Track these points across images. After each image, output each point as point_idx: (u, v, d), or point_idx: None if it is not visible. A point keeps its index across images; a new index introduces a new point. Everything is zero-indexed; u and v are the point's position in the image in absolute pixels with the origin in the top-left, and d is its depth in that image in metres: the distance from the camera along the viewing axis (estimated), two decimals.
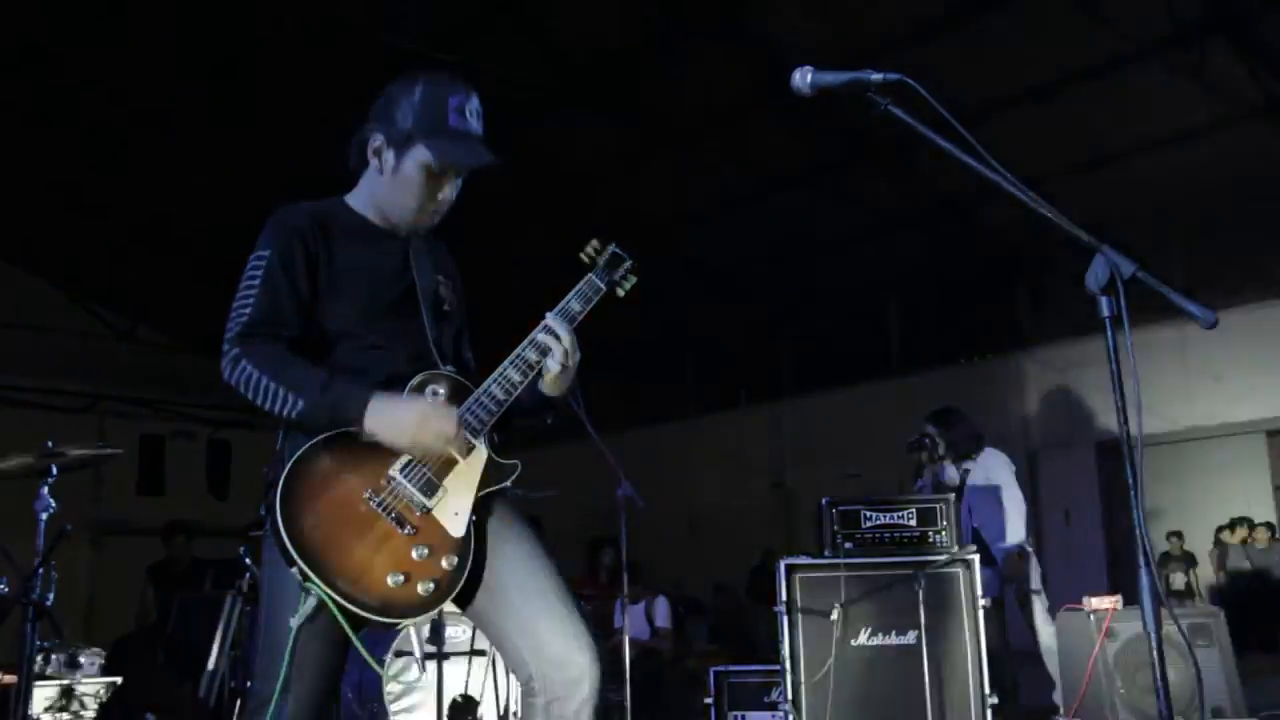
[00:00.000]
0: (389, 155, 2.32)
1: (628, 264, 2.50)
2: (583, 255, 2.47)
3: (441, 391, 2.27)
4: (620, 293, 2.50)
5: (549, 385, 2.34)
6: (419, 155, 2.29)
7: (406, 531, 2.12)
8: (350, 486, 2.12)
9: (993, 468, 5.97)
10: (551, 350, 2.27)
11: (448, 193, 2.36)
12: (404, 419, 2.12)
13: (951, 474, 6.01)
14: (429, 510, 2.16)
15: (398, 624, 2.13)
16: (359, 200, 2.40)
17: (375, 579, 2.07)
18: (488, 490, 2.25)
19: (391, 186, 2.34)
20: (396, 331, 2.30)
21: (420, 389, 2.25)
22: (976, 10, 8.27)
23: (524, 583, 2.24)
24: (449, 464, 2.20)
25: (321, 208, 2.35)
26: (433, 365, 2.31)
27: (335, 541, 2.06)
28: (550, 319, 2.30)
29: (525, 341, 2.29)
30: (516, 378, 2.26)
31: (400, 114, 2.30)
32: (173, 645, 6.25)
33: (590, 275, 2.45)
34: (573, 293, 2.40)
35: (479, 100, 2.36)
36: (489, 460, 2.26)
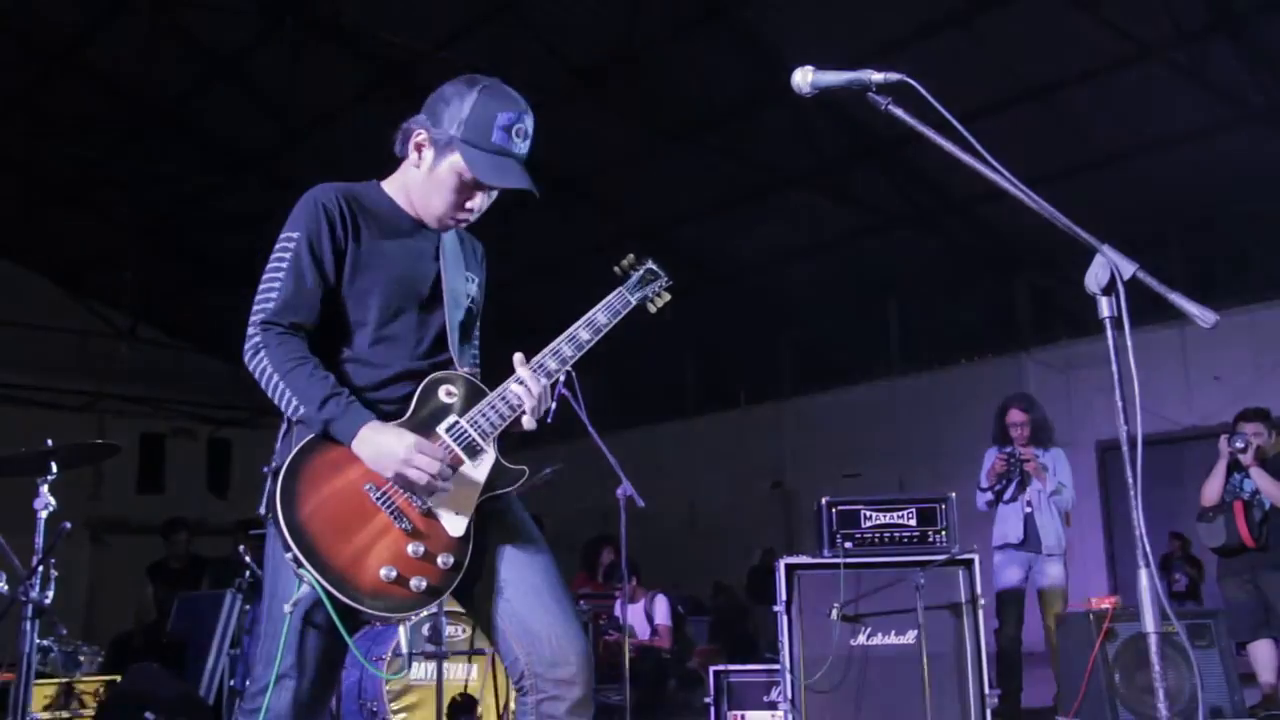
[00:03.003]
0: (428, 153, 2.30)
1: (662, 281, 2.48)
2: (616, 268, 2.45)
3: (456, 391, 2.27)
4: (652, 309, 2.48)
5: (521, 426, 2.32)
6: (455, 163, 2.27)
7: (404, 527, 2.13)
8: (352, 478, 2.12)
9: (1063, 468, 6.03)
10: (524, 403, 2.25)
11: (478, 202, 2.33)
12: (390, 454, 2.11)
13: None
14: (429, 508, 2.16)
15: (388, 618, 2.14)
16: (394, 187, 2.38)
17: (368, 571, 2.07)
18: (492, 494, 2.25)
19: (425, 184, 2.32)
20: (418, 325, 2.29)
21: (436, 387, 2.25)
22: (976, 10, 8.27)
23: (521, 582, 2.24)
24: (454, 463, 2.20)
25: (355, 189, 2.33)
26: (449, 365, 2.31)
27: (332, 531, 2.07)
28: (524, 373, 2.26)
29: (508, 382, 2.26)
30: (515, 403, 2.26)
31: (449, 116, 2.27)
32: (172, 644, 6.25)
33: (621, 289, 2.42)
34: (600, 305, 2.38)
35: (532, 121, 2.33)
36: (496, 463, 2.26)
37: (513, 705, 4.88)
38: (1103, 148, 9.71)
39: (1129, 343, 1.81)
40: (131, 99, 10.09)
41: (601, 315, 2.37)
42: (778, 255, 11.99)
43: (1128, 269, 1.84)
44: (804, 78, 2.02)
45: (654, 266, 2.48)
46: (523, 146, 2.32)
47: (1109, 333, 1.87)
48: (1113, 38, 8.21)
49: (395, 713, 5.00)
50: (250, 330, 2.17)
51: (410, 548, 2.12)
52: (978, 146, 1.88)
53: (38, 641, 3.71)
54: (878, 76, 1.93)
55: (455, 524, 2.18)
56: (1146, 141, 9.52)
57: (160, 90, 9.90)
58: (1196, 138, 9.34)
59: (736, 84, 9.10)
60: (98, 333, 13.27)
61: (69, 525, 3.75)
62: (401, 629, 4.90)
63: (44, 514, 3.73)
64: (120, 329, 13.50)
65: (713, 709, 4.96)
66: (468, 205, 2.32)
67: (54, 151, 10.89)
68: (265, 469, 2.16)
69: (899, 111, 1.94)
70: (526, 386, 2.24)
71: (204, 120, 10.44)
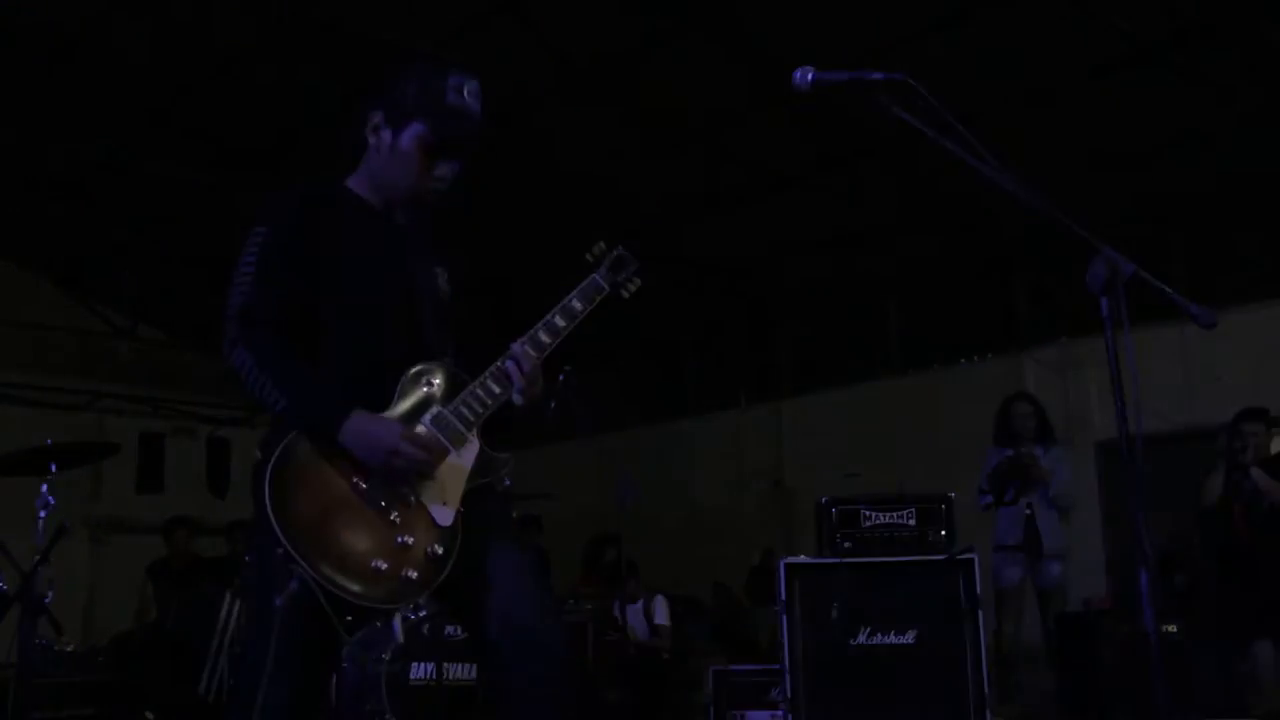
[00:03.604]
0: (386, 132, 2.33)
1: (633, 266, 2.50)
2: (588, 255, 2.47)
3: (437, 382, 2.28)
4: (624, 294, 2.50)
5: (510, 409, 2.33)
6: (417, 130, 2.30)
7: (393, 519, 2.14)
8: (339, 472, 2.13)
9: (1064, 468, 6.04)
10: (514, 382, 2.26)
11: (444, 171, 2.36)
12: (377, 443, 2.12)
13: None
14: (417, 498, 2.17)
15: (381, 609, 2.15)
16: (358, 183, 2.40)
17: (359, 564, 2.08)
18: (478, 483, 2.26)
19: (389, 163, 2.34)
20: (393, 319, 2.31)
21: (417, 379, 2.26)
22: (976, 10, 8.27)
23: (502, 577, 2.25)
24: (440, 453, 2.20)
25: (320, 188, 2.35)
26: (429, 354, 2.31)
27: (321, 525, 2.07)
28: (516, 347, 2.27)
29: (490, 369, 2.28)
30: (496, 390, 2.27)
31: (399, 92, 2.31)
32: (172, 643, 6.26)
33: (593, 275, 2.44)
34: (574, 292, 2.41)
35: (478, 84, 2.37)
36: (481, 452, 2.27)
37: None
38: (1103, 148, 9.71)
39: (1128, 342, 1.81)
40: (131, 98, 10.08)
41: (577, 302, 2.39)
42: (778, 255, 11.97)
43: (1127, 268, 1.85)
44: (804, 77, 2.02)
45: (624, 253, 2.50)
46: (475, 105, 2.35)
47: (1108, 332, 1.87)
48: (1112, 38, 8.20)
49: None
50: (227, 326, 2.19)
51: (400, 538, 2.14)
52: (978, 146, 1.88)
53: (37, 641, 3.71)
54: (878, 76, 1.93)
55: (443, 514, 2.20)
56: (1145, 141, 9.52)
57: (160, 89, 9.89)
58: (1196, 138, 9.34)
59: (737, 83, 9.09)
60: (97, 332, 13.26)
61: (68, 524, 3.75)
62: (399, 626, 4.90)
63: (44, 513, 3.73)
64: (120, 328, 13.50)
65: (712, 709, 4.97)
66: (435, 174, 2.34)
67: (54, 151, 10.88)
68: (257, 451, 2.17)
69: (899, 111, 1.94)
70: (517, 361, 2.25)
71: (204, 120, 10.43)
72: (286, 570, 2.02)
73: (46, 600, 3.69)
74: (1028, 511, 5.85)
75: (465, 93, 2.32)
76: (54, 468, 3.78)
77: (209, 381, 12.78)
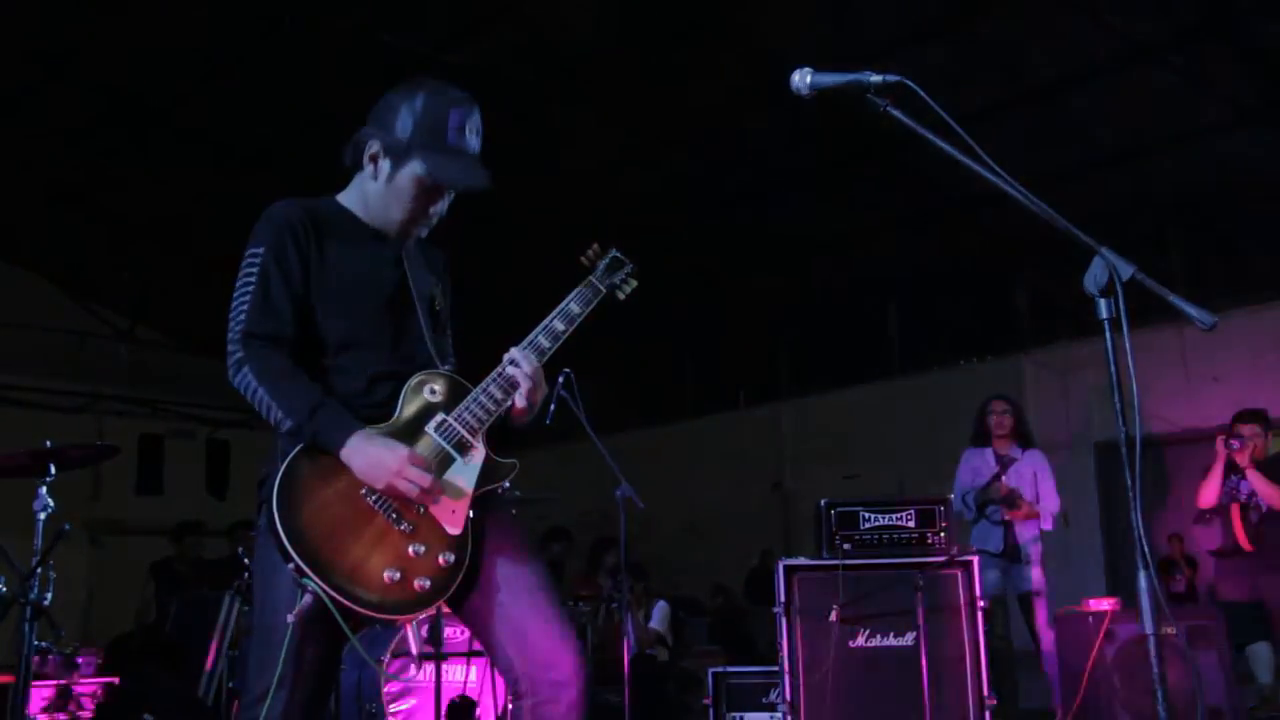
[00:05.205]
0: (385, 164, 2.30)
1: (628, 268, 2.50)
2: (582, 259, 2.47)
3: (439, 390, 2.27)
4: (620, 296, 2.50)
5: (515, 417, 2.32)
6: (414, 169, 2.27)
7: (403, 528, 2.13)
8: (347, 482, 2.12)
9: (1043, 469, 6.01)
10: (519, 386, 2.25)
11: (439, 207, 2.36)
12: (380, 465, 2.11)
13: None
14: (427, 507, 2.16)
15: (394, 620, 2.14)
16: (351, 200, 2.39)
17: (371, 575, 2.07)
18: (485, 489, 2.26)
19: (383, 195, 2.32)
20: (392, 331, 2.30)
21: (419, 388, 2.26)
22: (976, 11, 8.27)
23: (514, 583, 2.24)
24: (446, 461, 2.20)
25: (314, 204, 2.34)
26: (429, 365, 2.31)
27: (331, 537, 2.06)
28: (516, 353, 2.27)
29: (492, 375, 2.27)
30: (499, 395, 2.26)
31: (400, 123, 2.28)
32: (172, 644, 6.25)
33: (590, 279, 2.45)
34: (571, 296, 2.41)
35: (480, 116, 2.35)
36: (487, 458, 2.26)
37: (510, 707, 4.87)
38: (1102, 148, 9.71)
39: (1128, 344, 1.81)
40: (131, 99, 10.08)
41: (574, 305, 2.39)
42: (778, 255, 11.98)
43: (1126, 270, 1.84)
44: (802, 79, 2.02)
45: (619, 254, 2.50)
46: (476, 142, 2.33)
47: (1108, 334, 1.87)
48: (1112, 38, 8.21)
49: (394, 713, 5.00)
50: (231, 347, 2.18)
51: (411, 548, 2.12)
52: (976, 148, 1.88)
53: (36, 643, 3.71)
54: (876, 78, 1.93)
55: (452, 522, 2.19)
56: (1145, 141, 9.52)
57: (160, 90, 9.89)
58: (1195, 138, 9.35)
59: (735, 84, 9.10)
60: (96, 333, 13.26)
61: (68, 527, 3.75)
62: (410, 629, 4.90)
63: (43, 515, 3.73)
64: (119, 329, 13.49)
65: (711, 710, 4.96)
66: (429, 211, 2.34)
67: (54, 152, 10.88)
68: (262, 465, 2.16)
69: (897, 113, 1.94)
70: (520, 366, 2.24)
71: (204, 120, 10.43)
72: (298, 585, 2.01)
73: (46, 602, 3.69)
74: (1006, 518, 5.84)
75: (467, 130, 2.30)
76: (53, 470, 3.77)
77: (208, 383, 12.76)
